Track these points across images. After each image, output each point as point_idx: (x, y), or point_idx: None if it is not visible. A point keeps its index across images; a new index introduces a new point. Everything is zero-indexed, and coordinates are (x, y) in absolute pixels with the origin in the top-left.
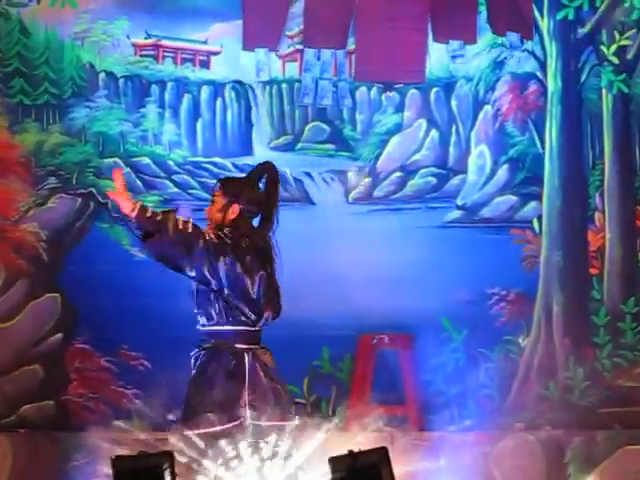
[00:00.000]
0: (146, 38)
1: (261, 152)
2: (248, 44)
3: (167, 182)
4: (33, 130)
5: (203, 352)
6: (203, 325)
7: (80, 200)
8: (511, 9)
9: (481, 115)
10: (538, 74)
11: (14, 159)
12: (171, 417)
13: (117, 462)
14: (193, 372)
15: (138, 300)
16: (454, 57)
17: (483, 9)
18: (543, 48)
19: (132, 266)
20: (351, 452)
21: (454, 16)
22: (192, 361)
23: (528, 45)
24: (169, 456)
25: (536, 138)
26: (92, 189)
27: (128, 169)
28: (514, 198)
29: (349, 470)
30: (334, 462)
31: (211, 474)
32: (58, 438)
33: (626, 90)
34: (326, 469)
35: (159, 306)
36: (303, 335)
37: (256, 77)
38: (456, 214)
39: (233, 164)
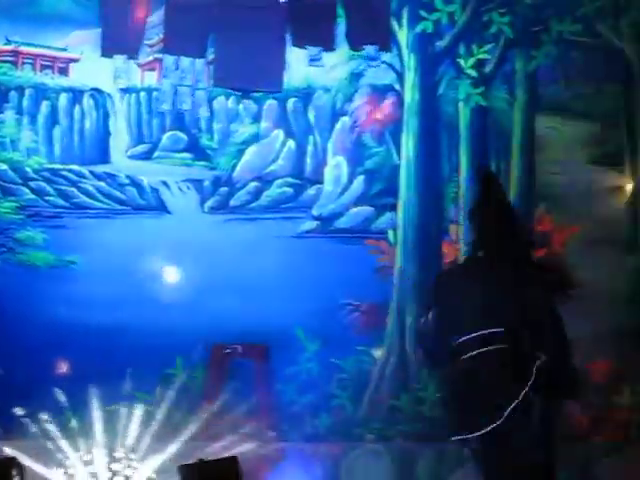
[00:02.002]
0: (5, 44)
1: (119, 160)
2: (107, 51)
3: (24, 188)
4: None
5: None
6: None
7: None
8: (369, 21)
9: (338, 126)
10: (396, 86)
11: None
12: None
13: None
14: None
15: None
16: (312, 60)
17: (342, 21)
18: (401, 60)
19: None
20: (201, 460)
21: (313, 23)
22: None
23: (386, 57)
24: (16, 462)
25: (393, 150)
26: None
27: None
28: (370, 209)
29: (199, 478)
30: (184, 470)
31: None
32: None
33: (483, 103)
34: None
35: (13, 311)
36: (157, 344)
37: (114, 84)
38: (312, 224)
39: (90, 172)
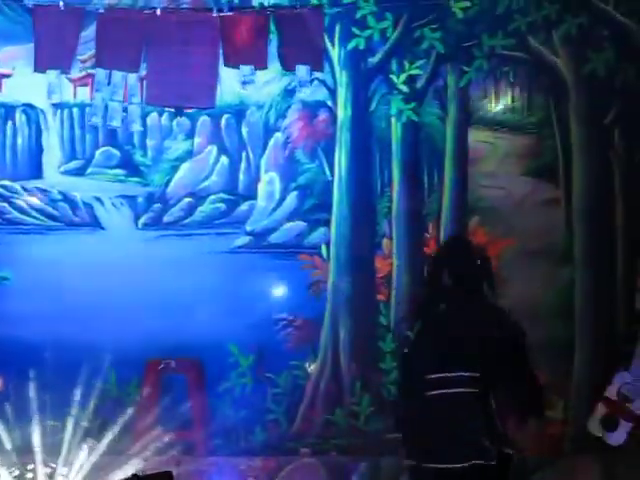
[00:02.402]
0: None
1: (51, 176)
2: (39, 66)
3: None
4: None
5: None
6: None
7: None
8: (302, 39)
9: (271, 142)
10: (328, 102)
11: None
12: None
13: None
14: None
15: None
16: (244, 83)
17: (274, 37)
18: (334, 77)
19: None
20: (135, 476)
21: (245, 41)
22: None
23: (319, 74)
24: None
25: (325, 165)
26: None
27: None
28: (303, 224)
29: None
30: None
31: None
32: None
33: (415, 118)
34: None
35: None
36: (91, 359)
37: (48, 99)
38: (245, 239)
39: (22, 187)
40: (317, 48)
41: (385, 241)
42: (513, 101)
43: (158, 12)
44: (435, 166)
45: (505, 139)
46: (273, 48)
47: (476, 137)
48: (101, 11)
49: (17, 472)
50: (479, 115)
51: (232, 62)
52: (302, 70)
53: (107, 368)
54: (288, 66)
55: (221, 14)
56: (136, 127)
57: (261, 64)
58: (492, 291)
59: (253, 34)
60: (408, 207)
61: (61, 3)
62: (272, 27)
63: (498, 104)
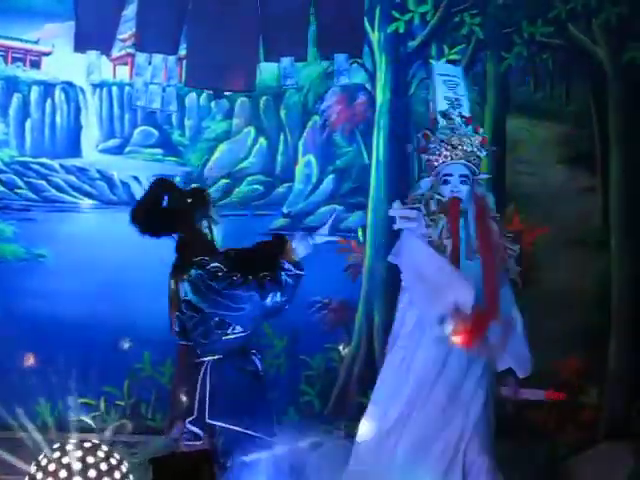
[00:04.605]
0: None
1: (89, 154)
2: (80, 46)
3: None
4: None
5: None
6: None
7: None
8: (341, 24)
9: (309, 124)
10: (367, 86)
11: None
12: None
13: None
14: None
15: None
16: (285, 77)
17: (313, 22)
18: (373, 60)
19: None
20: (173, 453)
21: (285, 32)
22: None
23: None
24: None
25: (363, 149)
26: None
27: None
28: (339, 207)
29: (171, 471)
30: (156, 463)
31: None
32: None
33: None
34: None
35: None
36: (125, 337)
37: (87, 79)
38: (282, 222)
39: (61, 165)
40: (357, 34)
41: None
42: (552, 89)
43: None
44: None
45: (543, 127)
46: (312, 33)
47: (514, 124)
48: None
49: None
50: (517, 102)
51: (272, 54)
52: (341, 58)
53: (141, 347)
54: (327, 53)
55: None
56: (172, 108)
57: (301, 55)
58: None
59: (293, 20)
60: None
61: None
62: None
63: (537, 91)
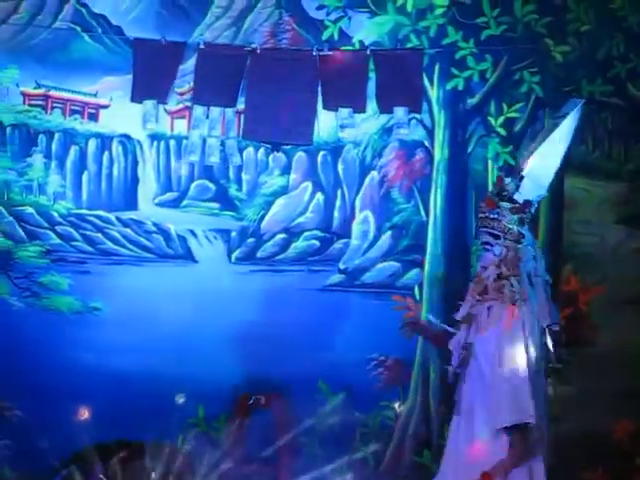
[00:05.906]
0: (36, 88)
1: (146, 207)
2: (137, 96)
3: (50, 233)
4: None
5: None
6: None
7: None
8: (401, 80)
9: (367, 180)
10: (425, 142)
11: None
12: None
13: None
14: None
15: (13, 350)
16: (342, 127)
17: (372, 76)
18: (432, 117)
19: (8, 316)
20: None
21: (344, 83)
22: None
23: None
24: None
25: (420, 206)
26: None
27: (11, 218)
28: (396, 264)
29: None
30: None
31: None
32: None
33: (512, 162)
34: None
35: (36, 356)
36: (180, 391)
37: (143, 128)
38: (338, 278)
39: (117, 218)
40: (416, 89)
41: None
42: (610, 148)
43: (258, 50)
44: None
45: (600, 186)
46: (371, 87)
47: (572, 183)
48: (201, 46)
49: None
50: (575, 161)
51: (331, 105)
52: (400, 111)
53: (195, 401)
54: (386, 107)
55: (321, 53)
56: (236, 160)
57: (359, 107)
58: None
59: (352, 74)
60: None
61: (163, 39)
62: (371, 67)
63: (595, 151)
